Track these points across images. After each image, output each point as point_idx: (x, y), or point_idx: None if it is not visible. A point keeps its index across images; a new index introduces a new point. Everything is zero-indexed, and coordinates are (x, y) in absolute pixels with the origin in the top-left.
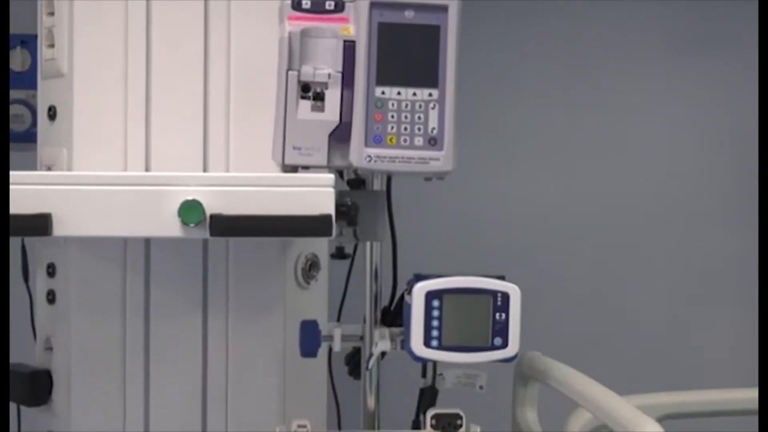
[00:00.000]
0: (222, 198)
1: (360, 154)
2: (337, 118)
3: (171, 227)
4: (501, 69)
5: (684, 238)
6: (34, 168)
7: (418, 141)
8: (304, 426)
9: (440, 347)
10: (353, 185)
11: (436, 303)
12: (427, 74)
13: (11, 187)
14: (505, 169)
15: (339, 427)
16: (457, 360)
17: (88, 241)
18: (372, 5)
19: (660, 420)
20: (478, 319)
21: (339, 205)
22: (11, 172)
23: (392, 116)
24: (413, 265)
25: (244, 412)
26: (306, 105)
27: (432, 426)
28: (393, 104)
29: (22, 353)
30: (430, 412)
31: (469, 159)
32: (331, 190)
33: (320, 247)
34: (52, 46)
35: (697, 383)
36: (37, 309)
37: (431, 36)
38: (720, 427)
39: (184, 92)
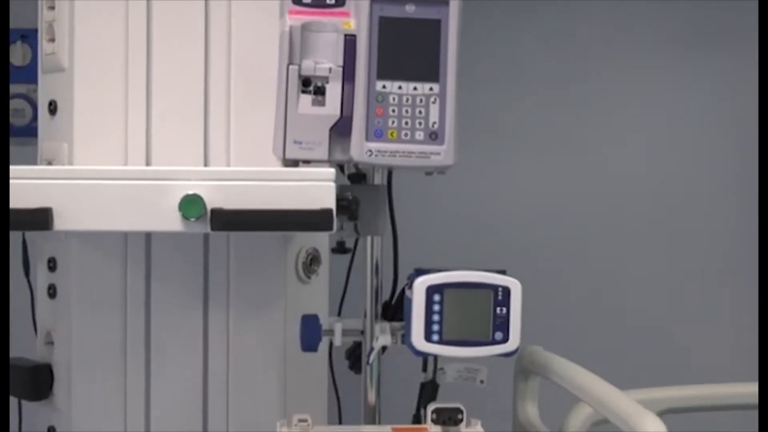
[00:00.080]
0: (223, 192)
1: (361, 149)
2: (338, 113)
3: (172, 221)
4: (502, 65)
5: (684, 235)
6: (34, 162)
7: (419, 135)
8: (305, 420)
9: (441, 341)
10: (354, 180)
11: (437, 297)
12: (428, 68)
13: (12, 181)
14: (506, 164)
15: (340, 422)
16: (457, 354)
17: (89, 236)
18: None
19: (661, 414)
20: (478, 314)
21: (340, 200)
22: (12, 167)
23: (393, 110)
24: (414, 259)
25: (244, 406)
26: (307, 99)
27: (433, 420)
28: (394, 98)
29: (23, 348)
30: (431, 407)
31: (470, 154)
32: (332, 185)
33: (321, 241)
34: (52, 40)
35: (697, 382)
36: (38, 303)
37: (432, 30)
38: (720, 422)
39: (184, 87)
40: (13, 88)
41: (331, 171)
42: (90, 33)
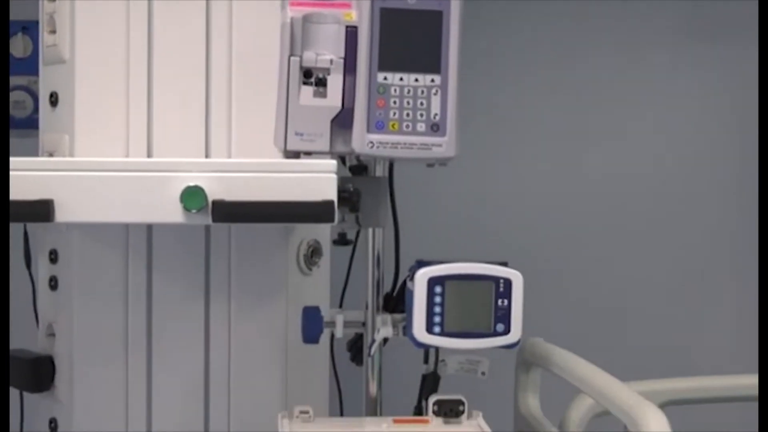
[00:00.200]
0: (224, 184)
1: (362, 140)
2: (340, 104)
3: (173, 213)
4: (502, 58)
5: (685, 235)
6: (35, 154)
7: (421, 127)
8: (306, 412)
9: (442, 333)
10: (355, 171)
11: (438, 289)
12: (429, 60)
13: (13, 173)
14: (507, 156)
15: (341, 413)
16: (459, 346)
17: (90, 228)
18: None
19: (662, 406)
20: (480, 305)
21: (341, 191)
22: (12, 159)
23: (394, 102)
24: (415, 251)
25: (246, 398)
26: (308, 91)
27: (434, 412)
28: (395, 90)
29: (24, 339)
30: (432, 398)
31: (471, 146)
32: (334, 176)
33: (322, 233)
34: (53, 32)
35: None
36: (40, 295)
37: (434, 21)
38: (721, 414)
39: (186, 78)
40: (14, 80)
41: (333, 162)
42: (91, 24)
